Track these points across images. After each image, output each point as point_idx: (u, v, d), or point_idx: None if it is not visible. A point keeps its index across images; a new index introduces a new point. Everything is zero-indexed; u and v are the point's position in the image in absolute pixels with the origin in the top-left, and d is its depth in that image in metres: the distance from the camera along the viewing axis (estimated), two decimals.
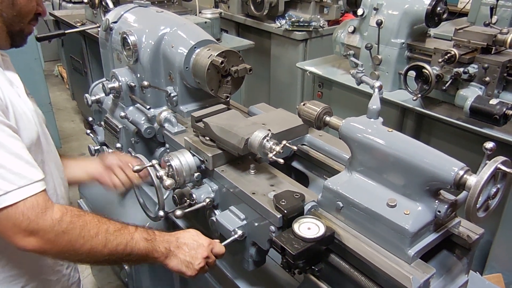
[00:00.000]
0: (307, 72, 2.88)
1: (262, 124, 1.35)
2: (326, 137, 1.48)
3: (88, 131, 2.06)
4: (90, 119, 2.07)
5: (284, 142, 1.19)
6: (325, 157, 1.45)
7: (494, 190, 0.92)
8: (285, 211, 1.08)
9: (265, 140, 1.20)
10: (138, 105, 1.73)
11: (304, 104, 1.24)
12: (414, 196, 1.00)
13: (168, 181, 1.26)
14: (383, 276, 0.97)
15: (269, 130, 1.23)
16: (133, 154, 1.45)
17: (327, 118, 1.20)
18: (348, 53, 2.64)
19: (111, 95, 1.80)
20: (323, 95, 2.87)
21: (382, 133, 1.07)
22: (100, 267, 2.39)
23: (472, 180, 0.88)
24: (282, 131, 1.41)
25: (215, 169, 1.31)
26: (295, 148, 1.21)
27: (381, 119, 1.12)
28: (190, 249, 1.14)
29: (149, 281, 1.86)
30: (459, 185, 0.91)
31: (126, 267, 1.85)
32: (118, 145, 1.79)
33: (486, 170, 0.85)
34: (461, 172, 0.90)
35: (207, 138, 1.34)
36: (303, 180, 1.47)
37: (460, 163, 0.93)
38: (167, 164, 1.31)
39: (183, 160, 1.31)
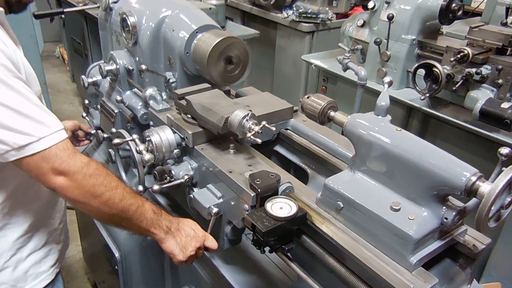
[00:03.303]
0: (312, 65, 2.81)
1: (246, 106, 1.33)
2: (309, 123, 1.44)
3: (84, 114, 2.00)
4: (87, 102, 2.01)
5: (263, 122, 1.17)
6: (323, 151, 1.40)
7: (509, 199, 0.86)
8: (259, 190, 1.07)
9: (245, 119, 1.18)
10: (135, 89, 1.67)
11: (308, 97, 1.18)
12: (420, 200, 0.95)
13: (147, 156, 1.27)
14: (382, 283, 0.93)
15: (250, 110, 1.21)
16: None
17: (332, 113, 1.14)
18: (356, 47, 2.56)
19: (108, 78, 1.74)
20: (327, 90, 2.80)
21: (390, 131, 1.01)
22: (92, 252, 2.36)
23: (485, 187, 0.82)
24: (265, 113, 1.40)
25: (195, 147, 1.31)
26: (273, 129, 1.20)
27: (390, 117, 1.06)
28: (186, 235, 1.18)
29: (139, 269, 1.82)
30: (470, 192, 0.85)
31: (117, 255, 1.81)
32: (113, 130, 1.73)
33: (502, 178, 0.79)
34: (474, 178, 0.85)
35: (189, 116, 1.33)
36: (303, 176, 1.42)
37: (472, 169, 0.87)
38: (147, 139, 1.31)
39: (163, 136, 1.31)
